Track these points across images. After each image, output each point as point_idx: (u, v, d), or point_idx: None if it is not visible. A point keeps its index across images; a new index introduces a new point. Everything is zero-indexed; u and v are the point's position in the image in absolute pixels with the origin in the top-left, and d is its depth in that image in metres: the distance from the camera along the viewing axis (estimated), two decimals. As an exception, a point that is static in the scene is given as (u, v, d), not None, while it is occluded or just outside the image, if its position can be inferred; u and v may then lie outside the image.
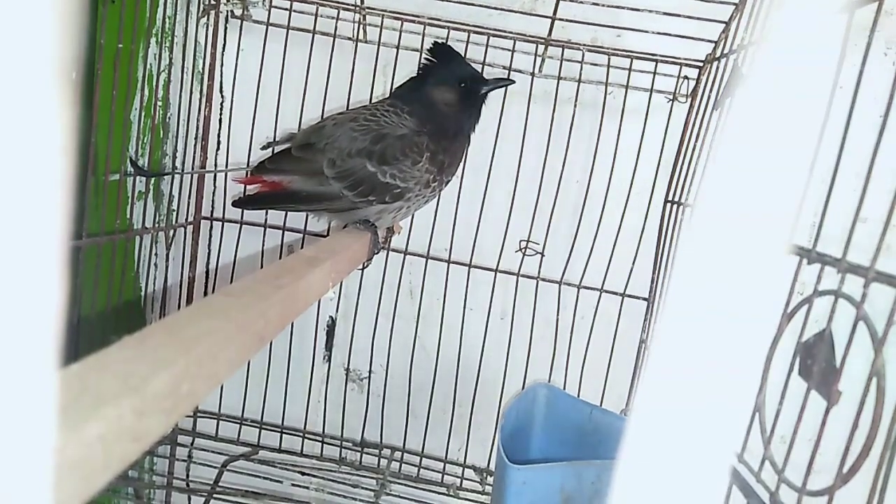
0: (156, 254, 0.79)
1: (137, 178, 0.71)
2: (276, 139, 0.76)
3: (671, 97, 0.74)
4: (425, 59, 0.69)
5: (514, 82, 0.71)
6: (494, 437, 0.80)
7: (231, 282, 0.78)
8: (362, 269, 0.77)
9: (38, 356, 0.12)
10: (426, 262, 0.79)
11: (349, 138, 0.64)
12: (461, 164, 0.72)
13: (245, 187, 0.73)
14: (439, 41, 0.70)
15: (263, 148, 0.76)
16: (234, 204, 0.68)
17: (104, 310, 0.65)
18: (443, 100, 0.67)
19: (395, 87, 0.72)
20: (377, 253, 0.67)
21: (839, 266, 0.36)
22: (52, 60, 0.11)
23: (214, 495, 0.76)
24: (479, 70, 0.72)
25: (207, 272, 0.81)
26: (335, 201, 0.65)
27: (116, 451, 0.23)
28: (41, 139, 0.11)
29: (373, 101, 0.75)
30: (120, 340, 0.29)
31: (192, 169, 0.79)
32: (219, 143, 0.80)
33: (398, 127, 0.65)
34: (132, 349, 0.28)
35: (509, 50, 0.74)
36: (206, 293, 0.82)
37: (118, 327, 0.69)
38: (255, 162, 0.72)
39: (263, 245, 0.80)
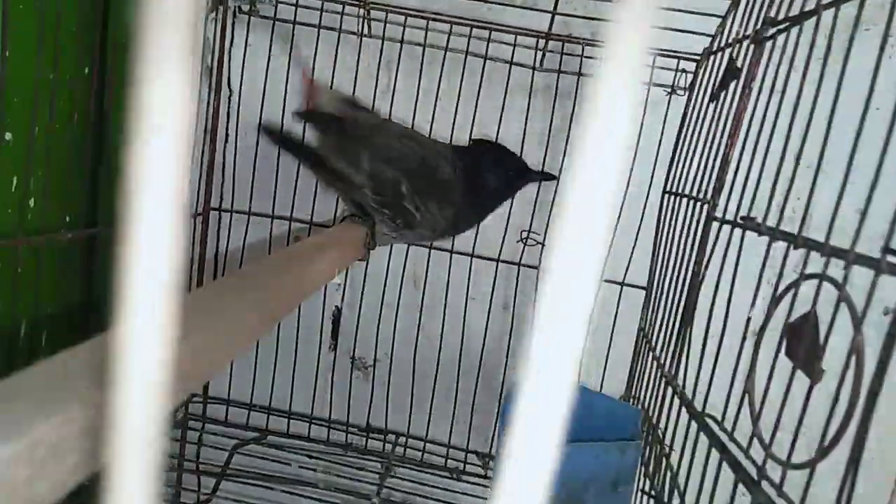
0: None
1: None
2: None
3: (669, 90, 0.76)
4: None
5: (555, 178, 0.71)
6: (496, 423, 0.82)
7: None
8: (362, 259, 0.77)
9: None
10: (429, 252, 0.81)
11: (403, 152, 0.65)
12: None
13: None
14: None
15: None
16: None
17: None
18: (493, 178, 0.69)
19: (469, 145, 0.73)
20: (372, 248, 0.68)
21: (823, 250, 0.37)
22: None
23: (225, 477, 0.79)
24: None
25: (216, 262, 0.83)
26: (352, 187, 0.65)
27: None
28: None
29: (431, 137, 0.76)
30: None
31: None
32: (227, 135, 0.82)
33: (448, 173, 0.66)
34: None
35: (511, 44, 0.75)
36: (215, 282, 0.83)
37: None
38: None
39: (271, 236, 0.82)
